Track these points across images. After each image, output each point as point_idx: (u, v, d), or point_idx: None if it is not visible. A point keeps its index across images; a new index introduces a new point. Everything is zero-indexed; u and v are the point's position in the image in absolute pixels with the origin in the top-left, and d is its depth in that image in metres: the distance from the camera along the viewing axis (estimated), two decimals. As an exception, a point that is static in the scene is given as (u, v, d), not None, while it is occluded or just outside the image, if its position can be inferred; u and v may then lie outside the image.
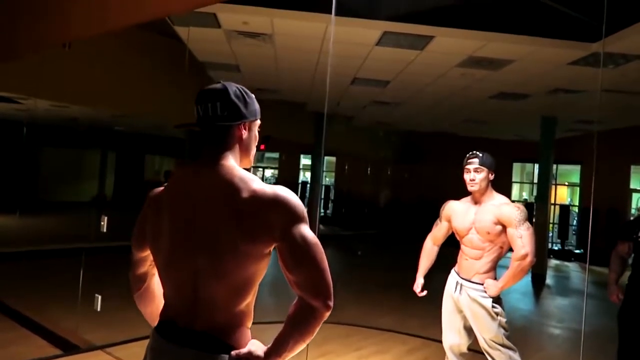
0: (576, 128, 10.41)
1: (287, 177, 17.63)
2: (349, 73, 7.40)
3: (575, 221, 13.09)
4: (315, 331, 1.23)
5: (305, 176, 17.63)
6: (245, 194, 1.23)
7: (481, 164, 2.80)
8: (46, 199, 14.88)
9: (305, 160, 17.54)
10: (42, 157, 15.69)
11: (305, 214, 1.29)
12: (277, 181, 18.10)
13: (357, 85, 8.09)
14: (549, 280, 9.24)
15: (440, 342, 3.01)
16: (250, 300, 1.29)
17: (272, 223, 1.22)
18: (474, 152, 2.87)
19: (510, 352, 2.73)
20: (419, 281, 3.07)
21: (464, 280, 2.84)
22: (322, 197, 16.06)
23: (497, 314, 2.76)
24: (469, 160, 2.85)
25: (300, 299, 1.25)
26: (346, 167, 16.35)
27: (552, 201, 12.48)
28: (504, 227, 2.74)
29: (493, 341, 2.73)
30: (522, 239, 2.67)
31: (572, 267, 11.19)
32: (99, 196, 17.43)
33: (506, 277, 2.75)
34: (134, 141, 17.42)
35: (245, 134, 1.37)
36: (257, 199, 1.23)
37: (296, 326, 1.23)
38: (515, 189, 14.97)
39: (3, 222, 10.96)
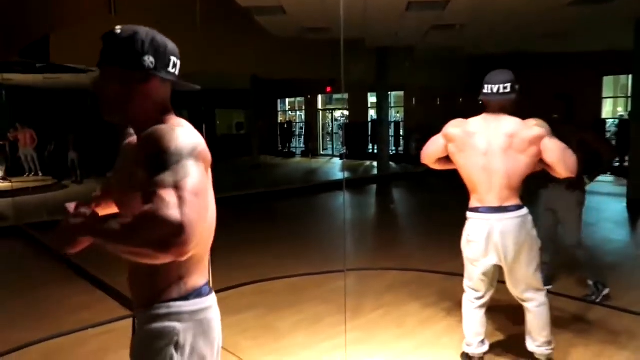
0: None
1: (356, 117, 17.23)
2: (401, -2, 6.74)
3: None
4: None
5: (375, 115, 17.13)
6: None
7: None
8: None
9: (372, 99, 16.96)
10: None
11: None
12: (349, 121, 17.77)
13: (413, 10, 7.39)
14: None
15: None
16: None
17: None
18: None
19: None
20: None
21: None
22: (392, 134, 15.55)
23: None
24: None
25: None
26: (414, 101, 15.57)
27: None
28: None
29: None
30: None
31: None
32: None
33: None
34: (204, 97, 17.75)
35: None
36: None
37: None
38: (608, 105, 13.47)
39: (93, 189, 11.74)
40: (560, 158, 2.33)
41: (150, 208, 0.99)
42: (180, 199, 1.01)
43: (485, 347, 2.73)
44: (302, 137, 19.59)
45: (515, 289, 2.59)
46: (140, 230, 0.99)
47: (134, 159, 1.15)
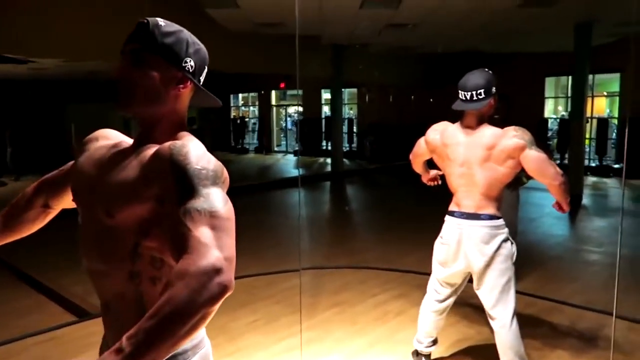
0: (615, 32, 9.44)
1: (310, 113, 17.22)
2: (355, -4, 6.77)
3: (614, 134, 12.30)
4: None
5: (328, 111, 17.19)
6: None
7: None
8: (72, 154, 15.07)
9: (327, 95, 17.00)
10: (66, 114, 15.74)
11: None
12: (303, 117, 17.74)
13: (367, 8, 7.44)
14: (585, 201, 8.77)
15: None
16: None
17: None
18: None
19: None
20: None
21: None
22: (346, 131, 15.65)
23: None
24: None
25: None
26: (367, 98, 15.73)
27: (589, 114, 11.70)
28: None
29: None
30: None
31: (610, 183, 10.61)
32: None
33: None
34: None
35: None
36: None
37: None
38: (549, 104, 14.11)
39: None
40: (538, 169, 2.30)
41: (187, 264, 0.84)
42: (218, 229, 0.89)
43: (434, 347, 2.79)
44: (256, 132, 19.40)
45: (485, 303, 2.50)
46: (187, 302, 0.81)
47: (139, 169, 1.01)
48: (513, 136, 2.33)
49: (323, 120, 16.89)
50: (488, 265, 2.41)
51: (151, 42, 1.05)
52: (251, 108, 20.61)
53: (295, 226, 7.08)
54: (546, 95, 13.52)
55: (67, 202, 1.29)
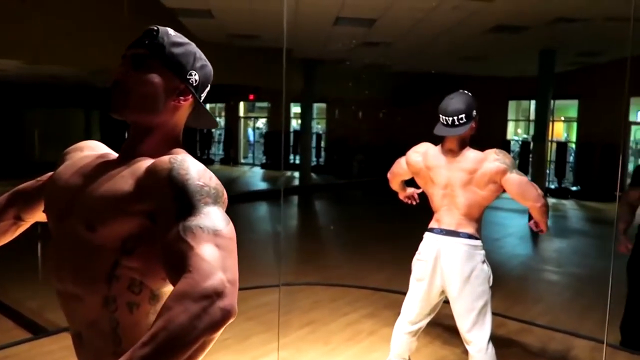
0: (576, 61, 9.89)
1: (278, 127, 17.17)
2: (330, 12, 6.82)
3: (571, 158, 12.81)
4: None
5: (298, 124, 17.19)
6: None
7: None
8: (33, 160, 14.46)
9: (296, 109, 17.01)
10: (26, 118, 15.12)
11: None
12: (271, 130, 17.65)
13: (342, 25, 7.51)
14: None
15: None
16: None
17: None
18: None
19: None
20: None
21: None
22: (314, 145, 15.67)
23: None
24: None
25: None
26: (336, 113, 15.83)
27: (549, 138, 12.14)
28: None
29: None
30: None
31: (569, 204, 11.00)
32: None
33: None
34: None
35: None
36: None
37: None
38: (510, 127, 14.58)
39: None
40: (520, 192, 2.33)
41: (187, 284, 0.77)
42: (222, 249, 0.83)
43: None
44: (222, 144, 19.16)
45: (460, 326, 2.47)
46: (187, 328, 0.73)
47: (131, 181, 0.93)
48: (494, 160, 2.36)
49: (292, 134, 16.87)
50: (464, 286, 2.40)
51: (158, 49, 1.00)
52: (218, 119, 20.39)
53: (264, 241, 6.97)
54: (508, 117, 13.97)
55: (41, 214, 1.19)
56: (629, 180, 3.56)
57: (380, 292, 4.45)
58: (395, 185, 2.91)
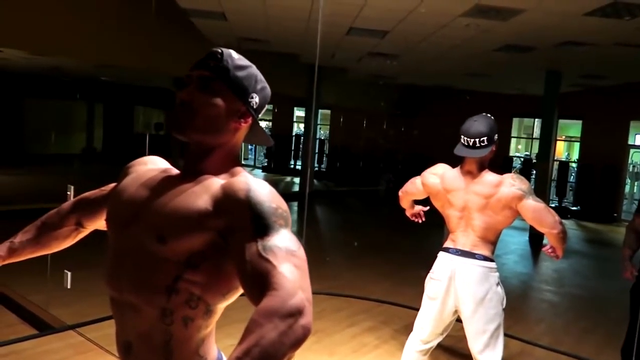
0: (581, 83, 9.96)
1: (280, 130, 17.19)
2: (344, 22, 6.85)
3: (572, 177, 12.87)
4: None
5: (299, 128, 17.19)
6: None
7: None
8: (33, 152, 14.41)
9: (299, 113, 17.03)
10: (26, 108, 15.07)
11: None
12: (271, 134, 17.64)
13: (353, 35, 7.55)
14: (546, 240, 9.05)
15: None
16: None
17: None
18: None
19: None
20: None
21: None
22: (317, 151, 15.68)
23: None
24: None
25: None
26: (341, 121, 15.86)
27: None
28: None
29: None
30: None
31: (568, 224, 11.05)
32: (87, 149, 16.97)
33: None
34: (122, 92, 16.76)
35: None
36: None
37: None
38: (512, 143, 14.65)
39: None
40: (537, 219, 2.35)
41: (275, 302, 0.80)
42: (300, 269, 0.86)
43: None
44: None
45: (472, 347, 2.48)
46: (277, 345, 0.76)
47: (206, 198, 0.96)
48: (511, 185, 2.38)
49: (293, 138, 16.88)
50: (478, 308, 2.41)
51: (223, 72, 1.03)
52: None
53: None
54: (512, 134, 14.05)
55: (101, 223, 1.23)
56: (625, 202, 3.58)
57: (384, 305, 4.45)
58: (405, 203, 2.92)
